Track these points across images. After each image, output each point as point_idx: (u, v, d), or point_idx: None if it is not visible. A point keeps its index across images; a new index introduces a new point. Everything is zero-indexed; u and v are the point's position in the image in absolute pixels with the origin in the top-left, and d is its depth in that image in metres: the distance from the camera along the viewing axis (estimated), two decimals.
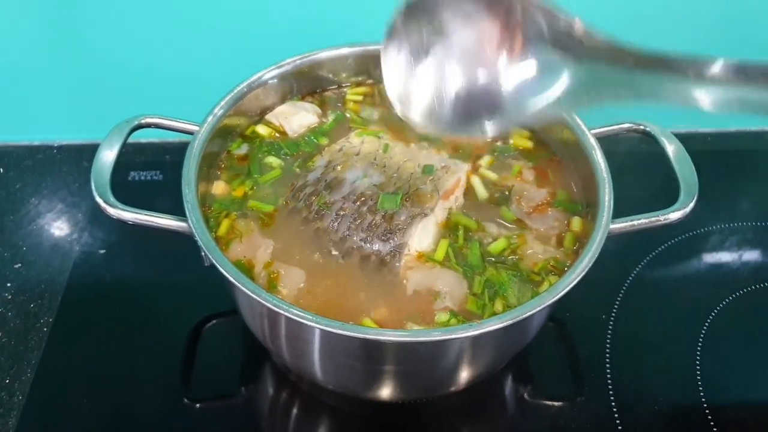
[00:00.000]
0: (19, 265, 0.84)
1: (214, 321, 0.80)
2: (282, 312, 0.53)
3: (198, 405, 0.72)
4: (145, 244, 0.85)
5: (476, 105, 0.51)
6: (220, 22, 0.93)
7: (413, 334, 0.54)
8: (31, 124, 1.01)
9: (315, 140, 0.77)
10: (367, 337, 0.52)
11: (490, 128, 0.52)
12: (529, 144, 0.77)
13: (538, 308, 0.55)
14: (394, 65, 0.53)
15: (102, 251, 0.86)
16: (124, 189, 0.94)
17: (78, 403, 0.71)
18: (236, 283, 0.55)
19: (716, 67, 0.42)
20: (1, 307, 0.79)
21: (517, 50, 0.49)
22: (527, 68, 0.49)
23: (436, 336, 0.53)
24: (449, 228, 0.68)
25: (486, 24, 0.50)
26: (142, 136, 1.00)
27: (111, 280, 0.83)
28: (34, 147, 1.01)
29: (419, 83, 0.52)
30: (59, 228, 0.89)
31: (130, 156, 0.99)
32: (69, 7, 0.89)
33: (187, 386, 0.74)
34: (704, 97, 0.43)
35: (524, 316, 0.54)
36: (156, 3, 0.90)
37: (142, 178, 0.95)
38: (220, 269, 0.56)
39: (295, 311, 0.53)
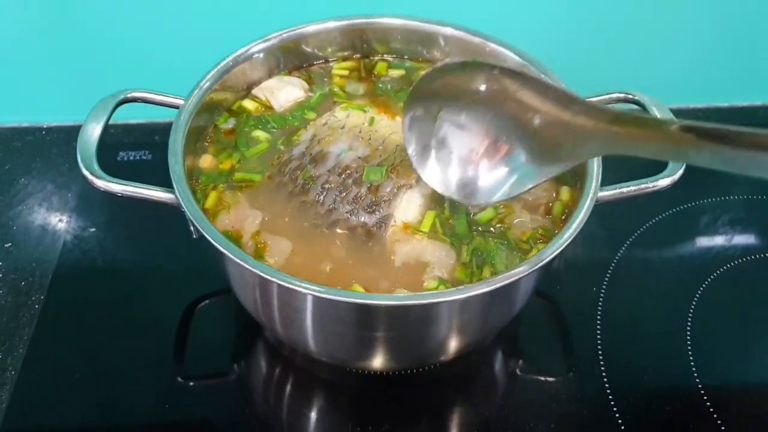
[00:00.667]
0: (10, 244, 0.84)
1: (207, 301, 0.80)
2: (273, 279, 0.53)
3: (191, 383, 0.72)
4: (135, 224, 0.86)
5: (464, 184, 0.64)
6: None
7: (402, 298, 0.54)
8: (19, 105, 1.00)
9: (302, 115, 0.77)
10: (358, 301, 0.52)
11: (476, 201, 0.63)
12: None
13: (526, 272, 0.55)
14: (408, 131, 0.65)
15: (92, 230, 0.86)
16: (113, 169, 0.93)
17: (71, 379, 0.71)
18: (226, 252, 0.55)
19: None
20: None
21: (497, 159, 0.61)
22: (500, 172, 0.62)
23: (425, 299, 0.53)
24: (435, 199, 0.68)
25: (473, 138, 0.62)
26: (131, 117, 1.01)
27: (102, 259, 0.83)
28: (22, 128, 1.00)
29: (425, 153, 0.65)
30: (49, 208, 0.89)
31: (118, 137, 0.99)
32: None
33: (180, 365, 0.74)
34: None
35: (512, 279, 0.54)
36: None
37: (131, 158, 0.95)
38: (209, 238, 0.56)
39: (286, 278, 0.53)
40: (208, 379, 0.73)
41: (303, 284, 0.53)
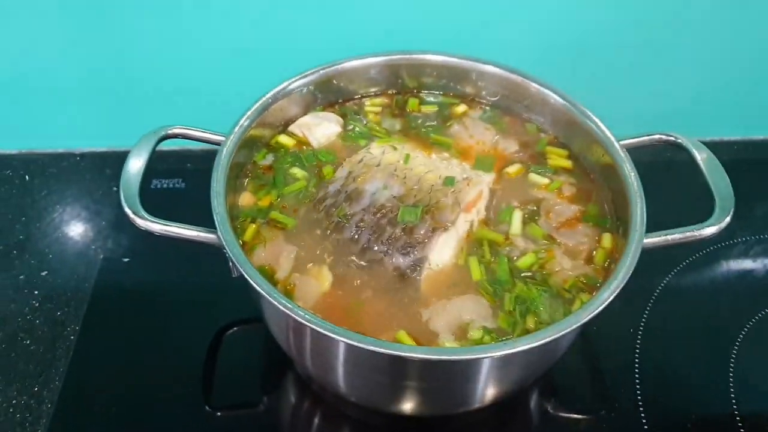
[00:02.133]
0: (46, 272, 0.85)
1: (236, 328, 0.80)
2: (314, 327, 0.53)
3: (219, 413, 0.72)
4: (167, 251, 0.85)
5: None
6: (243, 32, 0.93)
7: (446, 352, 0.54)
8: (55, 131, 1.01)
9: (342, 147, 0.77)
10: (401, 354, 0.52)
11: None
12: (568, 163, 0.76)
13: (574, 326, 0.54)
14: None
15: (126, 259, 0.86)
16: (146, 197, 0.94)
17: (105, 411, 0.71)
18: (267, 296, 0.55)
19: None
20: (29, 314, 0.80)
21: None
22: None
23: (473, 354, 0.52)
24: (472, 243, 0.67)
25: None
26: (164, 145, 1.01)
27: (135, 287, 0.84)
28: (58, 154, 1.01)
29: None
30: (83, 235, 0.90)
31: (151, 164, 0.98)
32: (95, 16, 0.90)
33: (208, 394, 0.73)
34: None
35: (560, 334, 0.53)
36: (181, 13, 0.90)
37: (165, 185, 0.96)
38: (252, 283, 0.56)
39: (329, 327, 0.53)
40: (235, 409, 0.73)
41: (342, 333, 0.53)
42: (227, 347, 0.78)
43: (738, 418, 0.71)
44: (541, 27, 0.94)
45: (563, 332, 0.53)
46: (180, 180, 0.96)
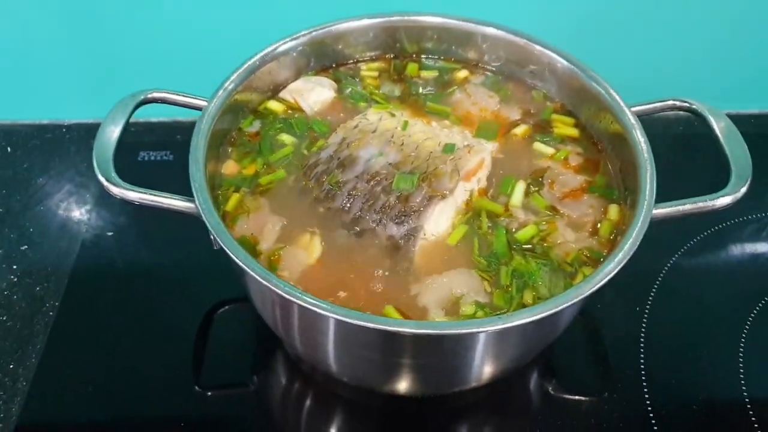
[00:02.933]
0: (26, 246, 0.81)
1: (227, 306, 0.76)
2: (296, 301, 0.49)
3: (209, 393, 0.69)
4: (155, 226, 0.82)
5: None
6: None
7: (437, 326, 0.50)
8: (40, 103, 0.98)
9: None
10: (388, 328, 0.48)
11: None
12: (574, 132, 0.72)
13: (574, 300, 0.50)
14: None
15: (110, 233, 0.83)
16: (133, 169, 0.92)
17: (83, 391, 0.68)
18: (246, 268, 0.52)
19: None
20: (6, 289, 0.77)
21: None
22: None
23: (463, 328, 0.48)
24: (470, 212, 0.63)
25: None
26: (152, 115, 0.97)
27: (119, 263, 0.80)
28: (42, 126, 0.98)
29: None
30: (67, 209, 0.86)
31: (139, 135, 0.96)
32: None
33: (198, 374, 0.71)
34: None
35: (558, 309, 0.49)
36: None
37: (152, 158, 0.92)
38: (230, 254, 0.53)
39: (310, 300, 0.49)
40: (225, 389, 0.70)
41: (328, 307, 0.49)
42: (218, 325, 0.75)
43: (748, 403, 0.68)
44: None
45: (561, 307, 0.49)
46: (168, 152, 0.93)
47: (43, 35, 0.90)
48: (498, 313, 0.54)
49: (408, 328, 0.48)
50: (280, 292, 0.50)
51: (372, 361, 0.57)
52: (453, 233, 0.62)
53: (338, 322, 0.51)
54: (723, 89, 1.00)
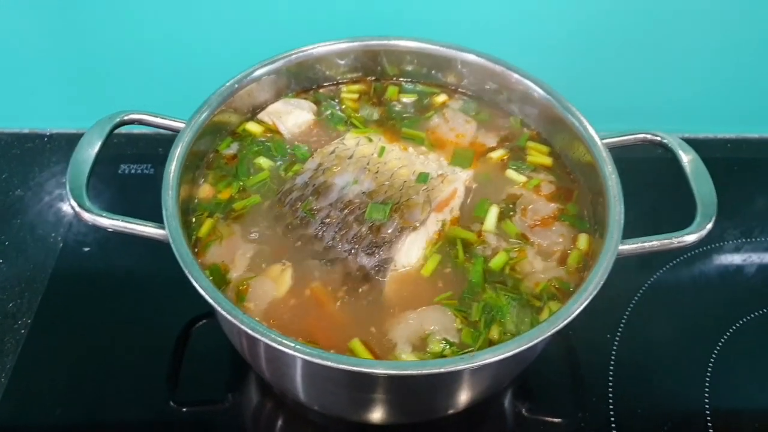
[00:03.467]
0: (1, 261, 0.81)
1: (204, 321, 0.76)
2: (261, 338, 0.50)
3: (184, 409, 0.70)
4: (132, 241, 0.81)
5: None
6: (222, 12, 0.88)
7: (401, 366, 0.50)
8: (22, 111, 0.97)
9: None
10: (352, 368, 0.48)
11: None
12: (548, 160, 0.73)
13: (536, 341, 0.51)
14: None
15: (86, 249, 0.83)
16: (113, 183, 0.92)
17: (54, 409, 0.68)
18: (212, 302, 0.52)
19: None
20: None
21: None
22: None
23: (429, 368, 0.49)
24: (445, 243, 0.64)
25: None
26: (134, 127, 0.97)
27: (95, 278, 0.80)
28: (23, 135, 0.97)
29: None
30: (44, 222, 0.86)
31: (121, 147, 0.95)
32: None
33: (173, 389, 0.71)
34: None
35: (520, 349, 0.50)
36: None
37: (133, 171, 0.92)
38: (195, 285, 0.53)
39: (275, 337, 0.50)
40: (200, 405, 0.71)
41: (293, 345, 0.49)
42: (194, 340, 0.75)
43: (710, 426, 0.69)
44: (531, 18, 0.90)
45: (523, 347, 0.50)
46: (149, 166, 0.92)
47: (26, 43, 0.90)
48: (463, 351, 0.55)
49: (365, 368, 0.49)
50: (244, 328, 0.50)
51: (339, 395, 0.58)
52: (426, 264, 0.62)
53: (302, 360, 0.51)
54: (699, 116, 1.02)
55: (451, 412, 0.63)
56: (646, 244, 0.60)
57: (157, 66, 0.92)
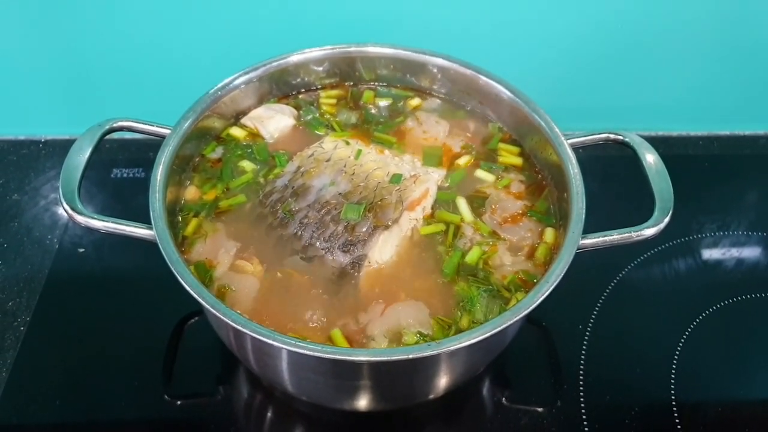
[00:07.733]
0: (0, 262, 0.85)
1: (196, 318, 0.80)
2: (245, 331, 0.53)
3: (178, 402, 0.73)
4: (126, 241, 0.85)
5: None
6: (206, 24, 0.92)
7: (373, 353, 0.54)
8: (17, 118, 1.00)
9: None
10: (328, 356, 0.52)
11: None
12: (518, 161, 0.76)
13: (499, 328, 0.54)
14: None
15: (82, 250, 0.86)
16: (106, 186, 0.96)
17: (53, 404, 0.72)
18: (198, 298, 0.56)
19: None
20: None
21: None
22: None
23: (401, 355, 0.53)
24: (420, 240, 0.67)
25: None
26: (126, 133, 1.00)
27: (90, 278, 0.84)
28: (19, 141, 1.01)
29: None
30: (41, 225, 0.89)
31: (113, 153, 0.99)
32: (57, 3, 0.88)
33: (168, 383, 0.74)
34: None
35: (484, 336, 0.54)
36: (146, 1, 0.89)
37: (125, 175, 0.95)
38: (183, 284, 0.57)
39: (257, 329, 0.53)
40: (194, 398, 0.74)
41: (275, 337, 0.53)
42: (188, 336, 0.78)
43: (677, 417, 0.72)
44: (511, 26, 0.93)
45: (486, 335, 0.53)
46: (141, 170, 0.96)
47: (20, 50, 0.93)
48: (429, 341, 0.58)
49: (340, 355, 0.52)
50: (227, 320, 0.54)
51: (323, 383, 0.61)
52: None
53: (287, 351, 0.55)
54: (673, 115, 1.05)
55: (431, 397, 0.67)
56: (608, 238, 0.63)
57: (146, 74, 0.96)
